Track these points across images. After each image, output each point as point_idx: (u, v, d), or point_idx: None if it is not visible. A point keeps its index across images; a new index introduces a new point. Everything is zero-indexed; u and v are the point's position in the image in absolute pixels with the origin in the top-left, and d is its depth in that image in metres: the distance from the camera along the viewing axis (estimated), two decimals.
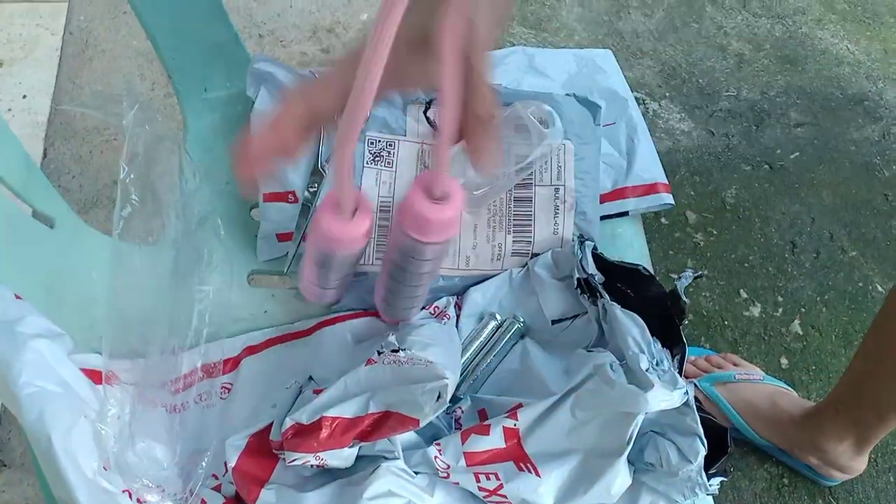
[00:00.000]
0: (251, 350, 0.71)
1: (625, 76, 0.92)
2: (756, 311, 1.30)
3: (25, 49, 1.56)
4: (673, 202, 0.83)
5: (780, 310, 1.30)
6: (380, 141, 0.79)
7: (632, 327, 0.65)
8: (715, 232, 1.39)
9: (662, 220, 1.38)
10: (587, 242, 0.75)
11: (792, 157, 1.52)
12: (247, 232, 0.80)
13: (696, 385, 1.11)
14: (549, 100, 0.82)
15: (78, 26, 1.62)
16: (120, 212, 0.63)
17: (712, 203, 1.43)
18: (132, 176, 0.64)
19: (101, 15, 1.63)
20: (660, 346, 0.65)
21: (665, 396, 0.59)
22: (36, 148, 1.39)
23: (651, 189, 0.84)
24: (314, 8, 1.67)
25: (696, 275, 0.68)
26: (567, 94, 0.85)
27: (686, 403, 0.61)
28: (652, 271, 0.76)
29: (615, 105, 0.88)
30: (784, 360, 1.25)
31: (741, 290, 1.31)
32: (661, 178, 0.85)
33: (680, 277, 0.70)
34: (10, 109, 1.45)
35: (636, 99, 1.53)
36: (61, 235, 0.71)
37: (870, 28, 1.77)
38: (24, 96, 1.47)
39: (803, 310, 1.31)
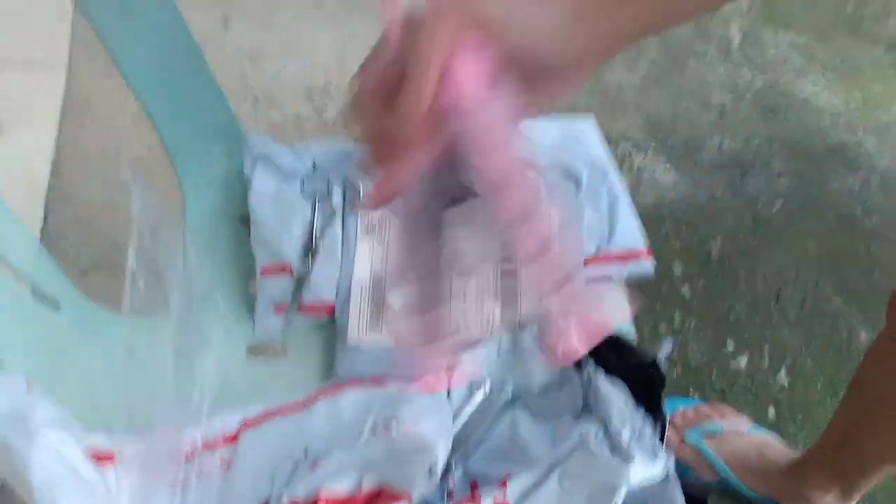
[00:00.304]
0: (249, 424, 0.73)
1: (610, 129, 0.95)
2: (743, 361, 1.32)
3: (24, 113, 1.58)
4: (653, 270, 0.86)
5: (767, 360, 1.33)
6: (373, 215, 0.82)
7: (615, 398, 0.68)
8: (701, 283, 1.42)
9: None
10: None
11: (775, 208, 1.55)
12: (245, 305, 0.83)
13: (683, 439, 1.14)
14: None
15: (77, 89, 1.65)
16: (129, 298, 0.66)
17: (698, 254, 1.47)
18: (136, 262, 0.67)
19: (99, 77, 1.65)
20: (643, 412, 0.68)
21: (646, 468, 0.62)
22: (36, 213, 1.40)
23: (632, 256, 0.87)
24: (307, 69, 1.71)
25: (674, 345, 0.71)
26: (550, 166, 0.88)
27: (667, 475, 0.64)
28: (636, 338, 0.79)
29: (597, 174, 0.91)
30: (772, 411, 1.28)
31: (728, 341, 1.34)
32: (643, 244, 0.88)
33: (661, 346, 0.73)
34: (9, 175, 1.46)
35: (621, 152, 1.58)
36: (66, 316, 0.74)
37: (849, 78, 1.82)
38: (24, 161, 1.49)
39: (789, 360, 1.33)
